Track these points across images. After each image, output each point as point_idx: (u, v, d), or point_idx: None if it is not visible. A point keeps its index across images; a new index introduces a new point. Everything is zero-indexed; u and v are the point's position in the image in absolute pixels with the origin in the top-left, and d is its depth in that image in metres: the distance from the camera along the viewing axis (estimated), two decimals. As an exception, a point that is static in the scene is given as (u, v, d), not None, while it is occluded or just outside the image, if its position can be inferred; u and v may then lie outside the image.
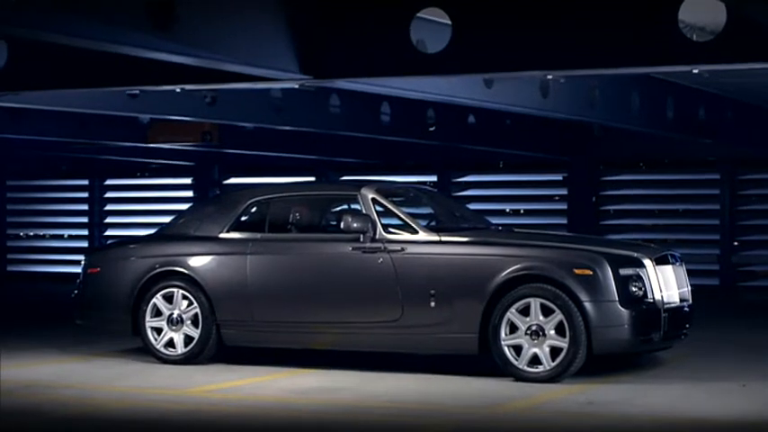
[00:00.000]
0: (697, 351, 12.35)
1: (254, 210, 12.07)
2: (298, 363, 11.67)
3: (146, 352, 11.96)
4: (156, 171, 25.37)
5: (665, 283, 10.97)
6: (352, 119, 16.25)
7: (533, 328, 10.54)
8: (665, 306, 10.86)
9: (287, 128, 16.47)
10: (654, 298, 10.77)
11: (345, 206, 12.02)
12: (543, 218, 22.21)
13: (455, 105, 15.23)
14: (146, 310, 11.83)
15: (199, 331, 11.66)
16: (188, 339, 11.72)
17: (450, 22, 9.47)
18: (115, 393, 10.21)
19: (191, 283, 11.72)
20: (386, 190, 11.78)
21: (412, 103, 15.82)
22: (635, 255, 10.96)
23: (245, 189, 13.26)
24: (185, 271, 11.75)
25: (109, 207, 25.73)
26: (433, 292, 10.85)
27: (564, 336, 10.45)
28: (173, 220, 12.84)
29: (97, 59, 10.13)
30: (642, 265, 10.81)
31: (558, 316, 10.47)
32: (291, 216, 11.87)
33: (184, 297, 11.74)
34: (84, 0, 8.19)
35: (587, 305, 10.44)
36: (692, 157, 21.35)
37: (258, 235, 11.77)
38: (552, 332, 10.49)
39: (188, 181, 25.01)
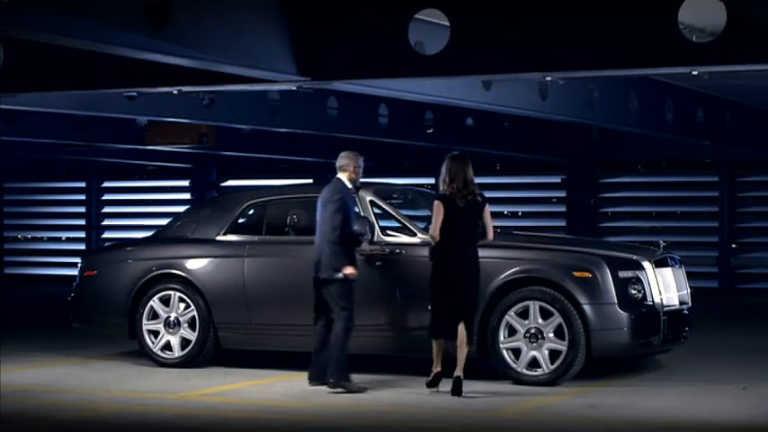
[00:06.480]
0: (697, 354, 12.31)
1: (251, 212, 12.02)
2: (296, 366, 11.60)
3: (142, 355, 11.91)
4: (154, 173, 25.35)
5: (665, 286, 10.92)
6: (350, 121, 16.23)
7: (532, 331, 10.49)
8: (665, 309, 10.81)
9: (284, 130, 16.45)
10: (653, 301, 10.73)
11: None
12: (541, 220, 22.17)
13: (453, 107, 15.20)
14: (142, 313, 11.77)
15: (196, 334, 11.60)
16: (185, 342, 11.66)
17: (448, 24, 9.43)
18: (112, 397, 10.16)
19: (188, 285, 11.67)
20: (384, 192, 11.76)
21: (410, 104, 15.79)
22: (634, 257, 10.92)
23: (242, 191, 13.21)
24: (182, 274, 11.70)
25: (106, 209, 25.70)
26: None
27: (563, 339, 10.40)
28: (170, 222, 12.80)
29: (94, 61, 10.12)
30: (641, 268, 10.77)
31: (557, 319, 10.42)
32: (289, 218, 11.81)
33: (181, 300, 11.70)
34: (82, 1, 8.16)
35: (586, 308, 10.39)
36: (691, 159, 21.34)
37: (255, 237, 11.73)
38: (551, 335, 10.44)
39: (185, 183, 24.99)
